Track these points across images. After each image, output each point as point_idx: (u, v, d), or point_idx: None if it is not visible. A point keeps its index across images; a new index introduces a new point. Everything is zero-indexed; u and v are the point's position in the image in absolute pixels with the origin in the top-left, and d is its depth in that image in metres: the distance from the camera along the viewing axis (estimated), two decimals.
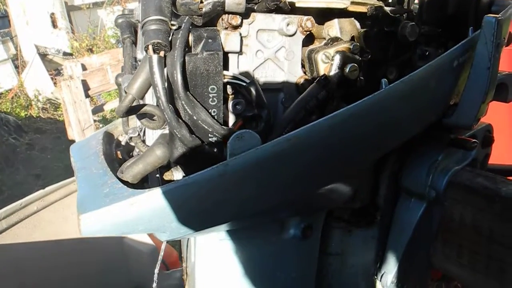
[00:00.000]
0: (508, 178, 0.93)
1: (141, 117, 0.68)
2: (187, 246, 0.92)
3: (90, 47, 8.18)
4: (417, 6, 0.90)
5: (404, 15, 0.88)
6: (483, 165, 1.08)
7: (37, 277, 1.63)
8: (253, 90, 0.62)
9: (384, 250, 1.00)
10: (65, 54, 7.29)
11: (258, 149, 0.60)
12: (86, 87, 4.17)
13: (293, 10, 0.71)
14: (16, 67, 7.17)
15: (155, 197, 0.58)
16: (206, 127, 0.61)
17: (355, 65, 0.67)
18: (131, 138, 0.77)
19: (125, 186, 0.63)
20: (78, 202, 0.64)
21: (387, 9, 0.84)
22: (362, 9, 0.75)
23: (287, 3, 0.69)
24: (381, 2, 0.83)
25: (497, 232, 0.84)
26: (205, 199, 0.60)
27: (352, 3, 0.76)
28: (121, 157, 0.85)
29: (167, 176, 0.71)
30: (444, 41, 0.88)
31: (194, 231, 0.66)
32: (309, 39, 0.74)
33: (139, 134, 0.79)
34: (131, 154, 0.86)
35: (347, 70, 0.67)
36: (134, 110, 0.64)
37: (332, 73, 0.67)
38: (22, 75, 6.98)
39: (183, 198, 0.59)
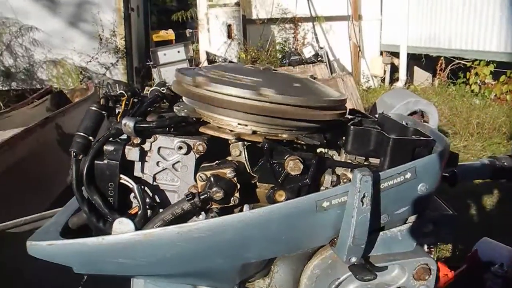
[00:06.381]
0: None
1: None
2: None
3: (255, 59, 9.10)
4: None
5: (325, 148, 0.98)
6: None
7: None
8: (136, 192, 0.87)
9: None
10: (230, 62, 8.34)
11: (125, 234, 0.85)
12: None
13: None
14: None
15: (56, 246, 0.89)
16: (100, 209, 0.89)
17: (219, 189, 0.84)
18: None
19: (58, 232, 0.95)
20: (39, 229, 0.99)
21: (306, 139, 0.96)
22: (259, 139, 0.90)
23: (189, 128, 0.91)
24: (301, 134, 0.95)
25: None
26: (88, 257, 0.88)
27: (254, 132, 0.92)
28: None
29: None
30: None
31: (93, 273, 0.94)
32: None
33: None
34: None
35: (212, 190, 0.85)
36: None
37: (202, 191, 0.86)
38: None
39: (72, 252, 0.88)
